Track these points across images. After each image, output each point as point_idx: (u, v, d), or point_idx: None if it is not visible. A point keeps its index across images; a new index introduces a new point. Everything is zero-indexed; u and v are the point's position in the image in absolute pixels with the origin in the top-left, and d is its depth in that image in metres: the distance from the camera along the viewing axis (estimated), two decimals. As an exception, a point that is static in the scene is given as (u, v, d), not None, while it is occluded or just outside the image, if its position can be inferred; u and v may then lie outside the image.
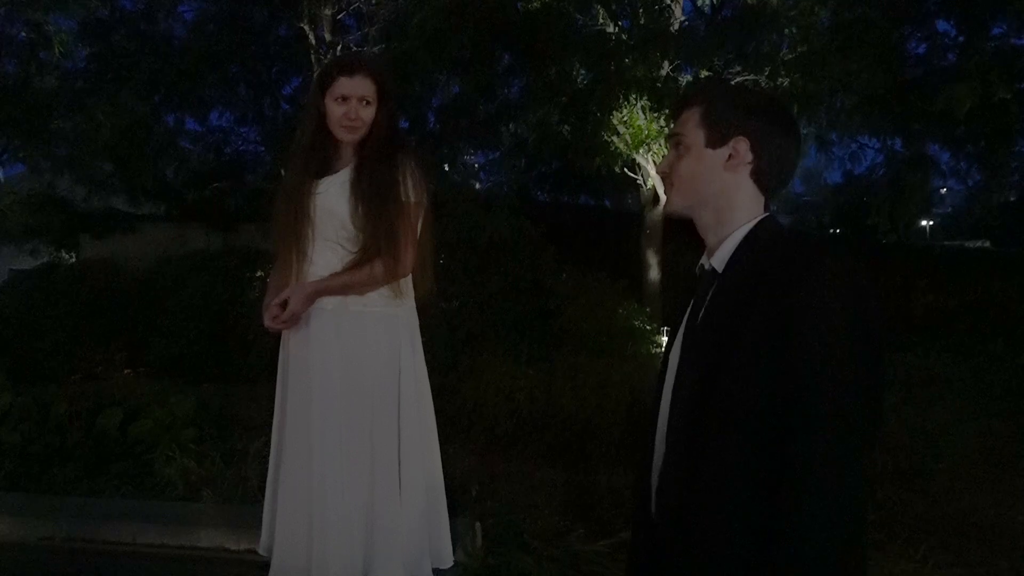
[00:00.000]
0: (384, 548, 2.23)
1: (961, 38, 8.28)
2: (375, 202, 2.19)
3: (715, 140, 1.31)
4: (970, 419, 4.80)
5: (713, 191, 1.32)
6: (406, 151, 2.30)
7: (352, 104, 2.20)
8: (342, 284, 2.22)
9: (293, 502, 2.29)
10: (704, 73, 7.08)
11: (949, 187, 18.45)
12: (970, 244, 17.77)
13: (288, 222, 2.28)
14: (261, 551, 2.43)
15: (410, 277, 2.34)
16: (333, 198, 2.23)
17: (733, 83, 6.75)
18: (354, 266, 2.22)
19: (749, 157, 1.30)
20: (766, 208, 1.34)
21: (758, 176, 1.32)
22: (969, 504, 3.77)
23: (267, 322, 2.27)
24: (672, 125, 1.41)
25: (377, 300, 2.26)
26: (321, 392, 2.23)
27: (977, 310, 9.48)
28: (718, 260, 1.30)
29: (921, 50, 8.54)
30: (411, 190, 2.24)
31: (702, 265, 1.36)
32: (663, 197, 5.91)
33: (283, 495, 2.33)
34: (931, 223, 29.85)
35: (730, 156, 1.31)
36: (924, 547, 3.23)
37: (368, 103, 2.22)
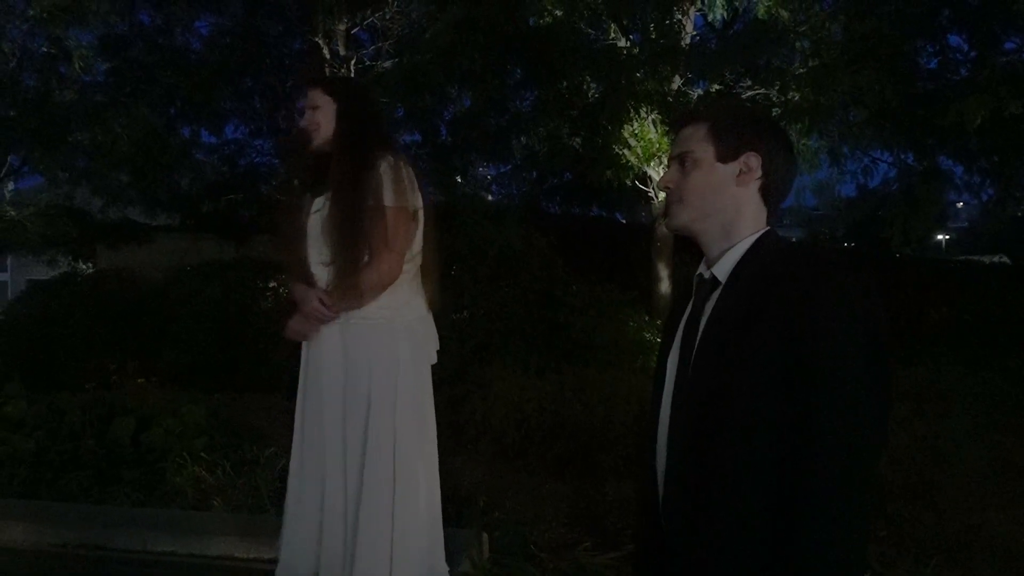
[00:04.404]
0: (369, 555, 2.24)
1: (973, 53, 8.26)
2: (342, 209, 2.22)
3: (726, 155, 1.33)
4: (981, 434, 4.75)
5: (722, 204, 1.33)
6: (384, 155, 2.28)
7: (306, 114, 2.35)
8: (338, 292, 2.26)
9: (303, 509, 2.34)
10: (715, 87, 7.09)
11: (965, 201, 18.34)
12: (987, 259, 17.58)
13: (288, 239, 2.38)
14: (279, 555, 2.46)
15: (419, 285, 2.37)
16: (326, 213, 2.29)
17: (742, 99, 6.77)
18: (341, 276, 2.26)
19: (759, 173, 1.32)
20: (768, 223, 1.36)
21: (765, 192, 1.34)
22: (980, 520, 3.73)
23: (309, 314, 2.29)
24: (674, 141, 1.42)
25: (375, 310, 2.28)
26: (329, 403, 2.28)
27: (991, 324, 9.38)
28: (720, 270, 1.32)
29: (933, 64, 8.51)
30: (391, 193, 2.24)
31: (700, 274, 1.38)
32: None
33: (297, 504, 2.37)
34: (947, 237, 29.61)
35: (741, 171, 1.32)
36: (934, 562, 3.19)
37: (316, 108, 2.32)
